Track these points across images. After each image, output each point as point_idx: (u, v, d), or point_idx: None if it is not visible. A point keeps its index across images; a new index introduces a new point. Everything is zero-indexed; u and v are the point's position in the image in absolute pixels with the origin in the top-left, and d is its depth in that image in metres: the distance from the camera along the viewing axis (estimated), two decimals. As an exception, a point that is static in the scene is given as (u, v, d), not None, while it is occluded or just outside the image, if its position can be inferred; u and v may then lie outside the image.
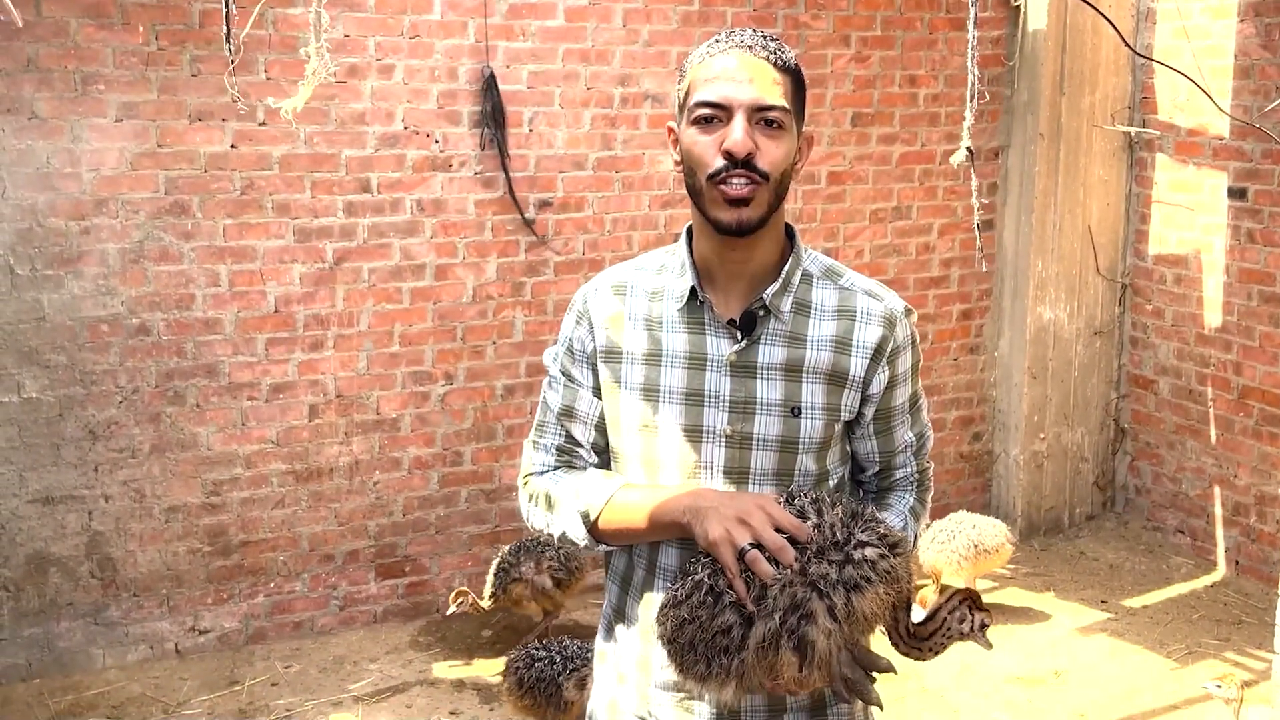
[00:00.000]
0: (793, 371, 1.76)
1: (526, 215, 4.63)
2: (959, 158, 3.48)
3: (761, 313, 1.77)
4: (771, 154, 1.69)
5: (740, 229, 1.70)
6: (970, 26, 3.31)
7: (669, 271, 1.83)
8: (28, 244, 3.98)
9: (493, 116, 4.48)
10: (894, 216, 5.32)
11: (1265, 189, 4.91)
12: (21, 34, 3.86)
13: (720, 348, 1.77)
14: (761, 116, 1.68)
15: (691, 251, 1.82)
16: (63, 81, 3.94)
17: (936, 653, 1.77)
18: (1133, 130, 5.43)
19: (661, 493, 1.75)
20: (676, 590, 1.67)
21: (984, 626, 1.76)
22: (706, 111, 1.69)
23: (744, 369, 1.76)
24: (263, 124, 4.20)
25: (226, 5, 2.53)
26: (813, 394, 1.77)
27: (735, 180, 1.68)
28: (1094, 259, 5.51)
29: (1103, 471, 5.75)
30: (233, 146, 4.20)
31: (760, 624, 1.59)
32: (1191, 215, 5.25)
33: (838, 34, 5.05)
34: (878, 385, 1.80)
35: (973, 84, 3.19)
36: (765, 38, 1.73)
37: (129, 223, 4.10)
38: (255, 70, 4.15)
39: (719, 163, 1.68)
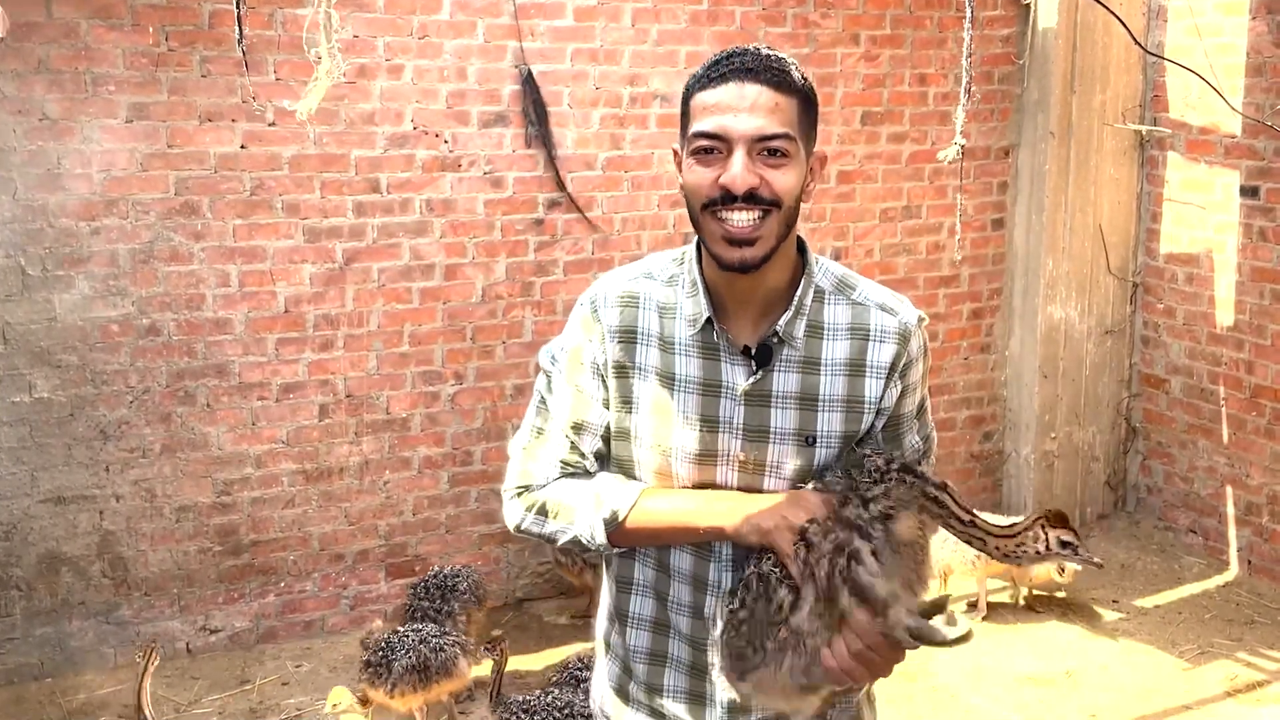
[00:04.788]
0: (808, 400, 1.73)
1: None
2: (950, 154, 3.47)
3: (775, 341, 1.72)
4: (778, 183, 1.63)
5: (743, 268, 1.65)
6: (966, 25, 3.31)
7: (679, 286, 1.77)
8: (39, 244, 3.99)
9: (535, 111, 4.51)
10: (904, 215, 5.31)
11: (1278, 187, 4.88)
12: (32, 35, 3.87)
13: (735, 376, 1.73)
14: (764, 146, 1.62)
15: (702, 269, 1.76)
16: (73, 82, 3.96)
17: (1019, 562, 1.72)
18: (1144, 129, 5.40)
19: (696, 497, 1.75)
20: (732, 605, 1.70)
21: (1066, 545, 1.70)
22: (705, 143, 1.63)
23: (759, 398, 1.73)
24: (272, 124, 4.21)
25: (238, 6, 2.54)
26: (829, 422, 1.73)
27: (736, 215, 1.62)
28: (1105, 258, 5.49)
29: (1114, 471, 5.73)
30: (242, 147, 4.20)
31: (811, 582, 1.61)
32: (1203, 214, 5.23)
33: (847, 33, 5.04)
34: (890, 399, 1.77)
35: (967, 82, 3.18)
36: (768, 58, 1.64)
37: (139, 223, 4.11)
38: (265, 71, 4.16)
39: (715, 193, 1.62)
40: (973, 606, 4.79)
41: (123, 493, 4.21)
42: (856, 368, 1.74)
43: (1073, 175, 5.35)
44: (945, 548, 4.61)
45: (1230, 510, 5.18)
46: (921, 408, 1.86)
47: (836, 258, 5.13)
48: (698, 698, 1.81)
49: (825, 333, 1.74)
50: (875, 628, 1.60)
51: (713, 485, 1.77)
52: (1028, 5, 5.27)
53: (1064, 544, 1.70)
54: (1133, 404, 5.68)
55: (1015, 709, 4.07)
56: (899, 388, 1.77)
